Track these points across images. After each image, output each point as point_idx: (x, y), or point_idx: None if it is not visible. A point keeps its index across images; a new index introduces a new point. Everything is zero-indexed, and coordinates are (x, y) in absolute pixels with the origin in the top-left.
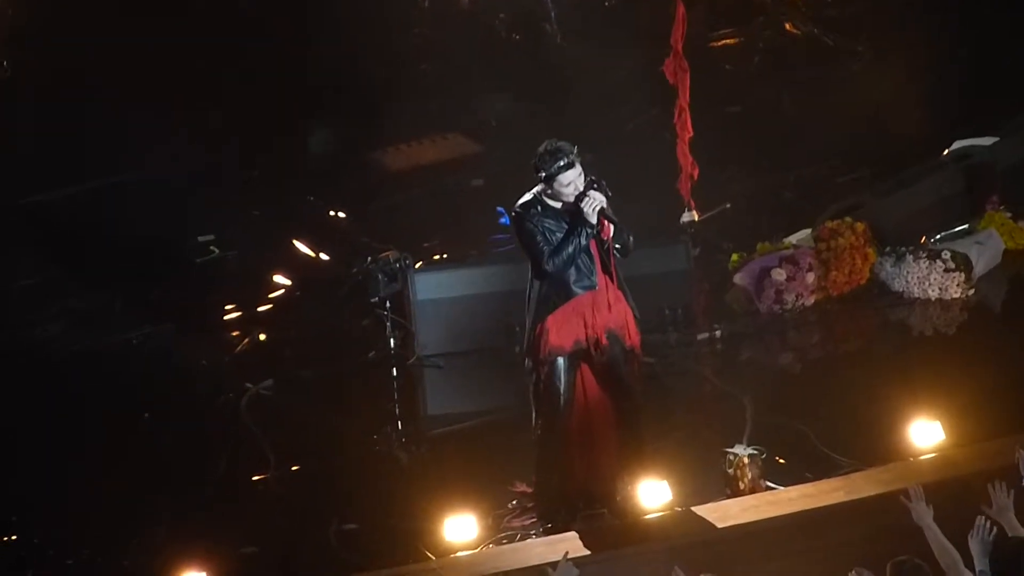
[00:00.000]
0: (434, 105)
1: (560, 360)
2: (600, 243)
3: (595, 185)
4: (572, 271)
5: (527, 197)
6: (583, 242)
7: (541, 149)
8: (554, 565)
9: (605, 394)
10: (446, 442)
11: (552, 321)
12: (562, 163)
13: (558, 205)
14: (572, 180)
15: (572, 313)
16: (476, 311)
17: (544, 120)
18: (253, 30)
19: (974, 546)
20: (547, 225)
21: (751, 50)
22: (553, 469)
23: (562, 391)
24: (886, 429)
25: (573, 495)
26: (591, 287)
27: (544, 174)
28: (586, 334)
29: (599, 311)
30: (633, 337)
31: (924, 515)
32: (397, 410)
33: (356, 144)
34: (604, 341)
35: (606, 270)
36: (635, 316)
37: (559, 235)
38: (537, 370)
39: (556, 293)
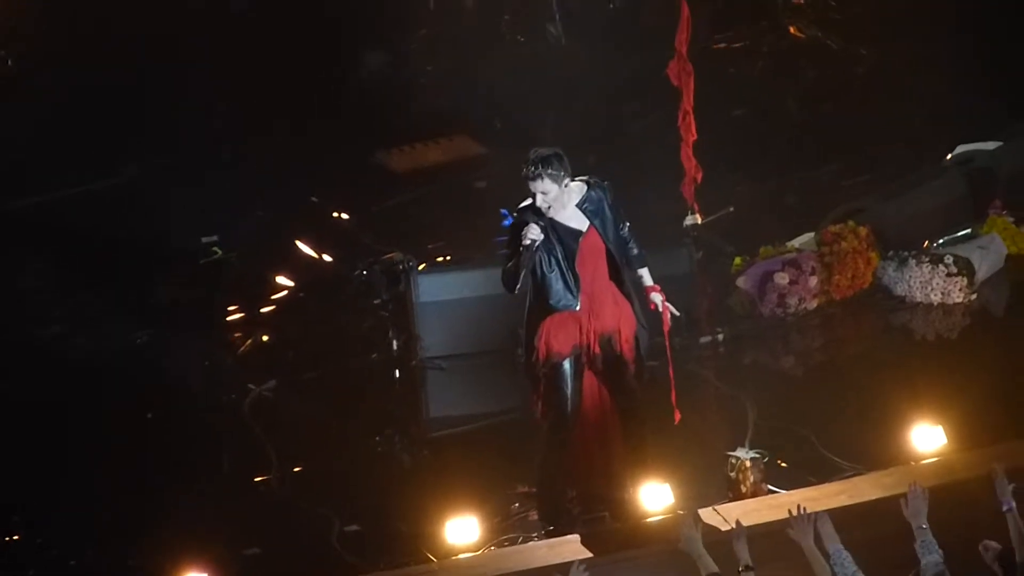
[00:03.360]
0: (438, 106)
1: (564, 364)
2: (611, 255)
3: (540, 222)
4: (555, 287)
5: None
6: (513, 266)
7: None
8: (562, 569)
9: (607, 397)
10: (448, 444)
11: (549, 325)
12: (523, 172)
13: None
14: (539, 190)
15: (569, 318)
16: (479, 313)
17: (548, 122)
18: (257, 29)
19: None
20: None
21: (755, 53)
22: (556, 472)
23: (569, 394)
24: (888, 433)
25: (575, 498)
26: (569, 307)
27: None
28: (581, 340)
29: (595, 317)
30: (628, 342)
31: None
32: (399, 412)
33: (360, 145)
34: (597, 348)
35: (610, 278)
36: (640, 321)
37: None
38: (539, 374)
39: (541, 306)
